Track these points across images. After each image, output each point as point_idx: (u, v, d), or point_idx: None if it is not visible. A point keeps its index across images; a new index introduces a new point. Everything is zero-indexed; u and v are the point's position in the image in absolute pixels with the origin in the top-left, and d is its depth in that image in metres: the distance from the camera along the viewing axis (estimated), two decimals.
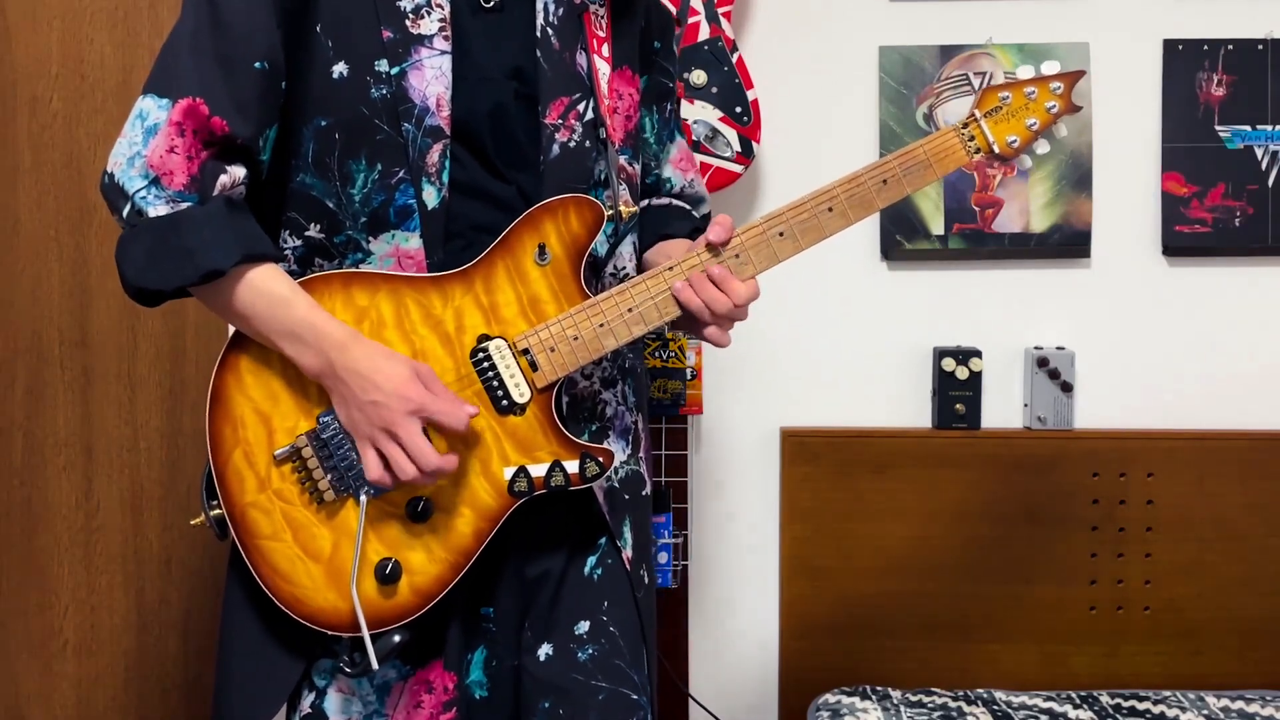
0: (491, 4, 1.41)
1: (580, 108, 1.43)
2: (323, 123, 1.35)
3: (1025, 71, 1.46)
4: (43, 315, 2.27)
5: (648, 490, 1.56)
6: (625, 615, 1.48)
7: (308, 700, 1.43)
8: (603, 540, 1.49)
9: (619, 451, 1.50)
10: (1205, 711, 2.16)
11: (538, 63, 1.41)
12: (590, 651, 1.45)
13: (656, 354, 2.32)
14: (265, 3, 1.32)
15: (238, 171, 1.33)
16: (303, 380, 1.36)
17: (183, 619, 2.32)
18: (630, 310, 1.38)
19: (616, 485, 1.50)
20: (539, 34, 1.42)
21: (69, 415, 2.28)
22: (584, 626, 1.46)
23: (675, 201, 1.65)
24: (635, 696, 1.46)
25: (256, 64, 1.32)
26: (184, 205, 1.30)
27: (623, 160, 1.48)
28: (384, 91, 1.34)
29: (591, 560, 1.48)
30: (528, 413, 1.37)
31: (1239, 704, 2.19)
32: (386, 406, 1.29)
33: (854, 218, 1.42)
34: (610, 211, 1.40)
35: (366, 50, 1.34)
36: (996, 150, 1.44)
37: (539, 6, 1.42)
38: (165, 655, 2.33)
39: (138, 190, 1.31)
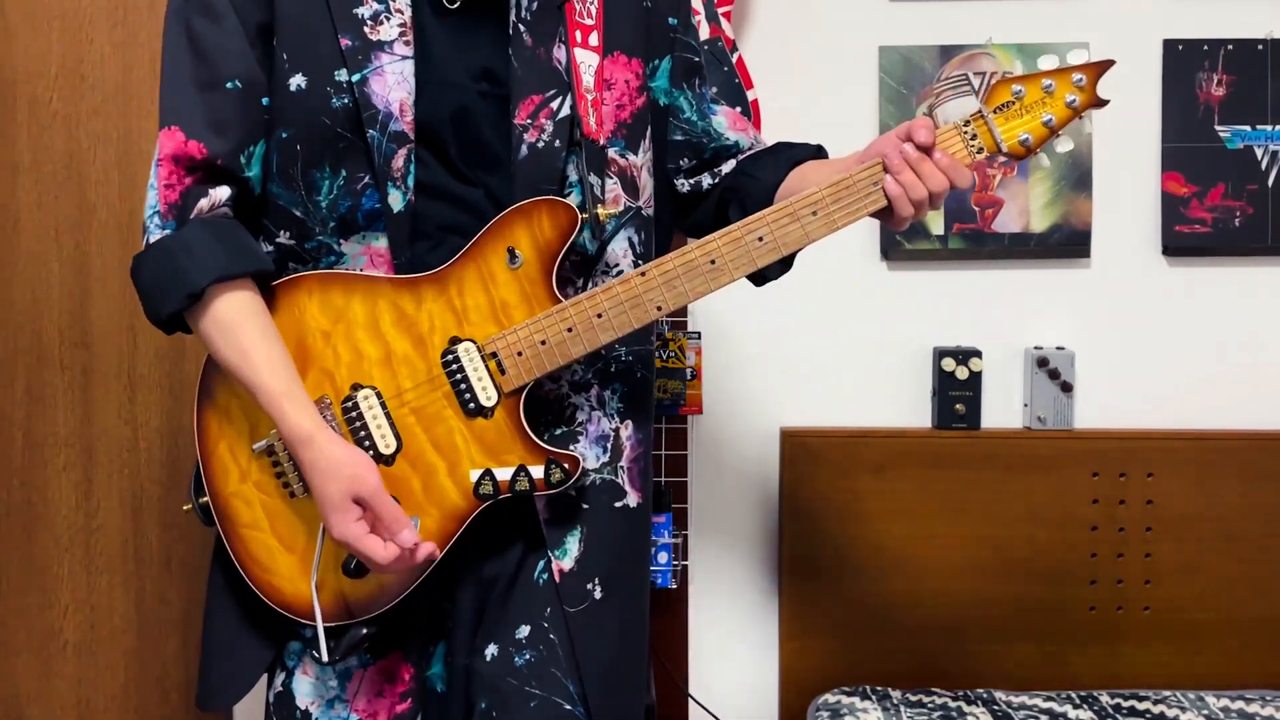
0: (456, 5, 1.40)
1: (554, 105, 1.41)
2: (284, 134, 1.37)
3: (1046, 63, 1.36)
4: (43, 315, 2.27)
5: (626, 503, 1.49)
6: (568, 625, 1.44)
7: (279, 679, 1.48)
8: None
9: (590, 459, 1.47)
10: (1205, 711, 2.16)
11: (509, 61, 1.40)
12: (527, 657, 1.43)
13: (656, 354, 2.31)
14: (232, 23, 1.35)
15: (219, 193, 1.36)
16: None
17: (183, 619, 2.32)
18: (599, 316, 1.36)
19: (573, 493, 1.45)
20: (511, 31, 1.41)
21: (69, 415, 2.28)
22: (524, 631, 1.43)
23: (773, 143, 1.57)
24: (569, 707, 1.42)
25: (228, 83, 1.35)
26: (165, 234, 1.35)
27: (612, 152, 1.45)
28: (344, 100, 1.35)
29: (540, 564, 1.45)
30: (495, 416, 1.37)
31: (1239, 704, 2.19)
32: (333, 507, 1.31)
33: (840, 223, 1.35)
34: (585, 215, 1.38)
35: (324, 60, 1.35)
36: (1005, 149, 1.34)
37: (512, 2, 1.41)
38: (165, 655, 2.32)
39: (147, 218, 1.37)
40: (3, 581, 2.29)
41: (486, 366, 1.37)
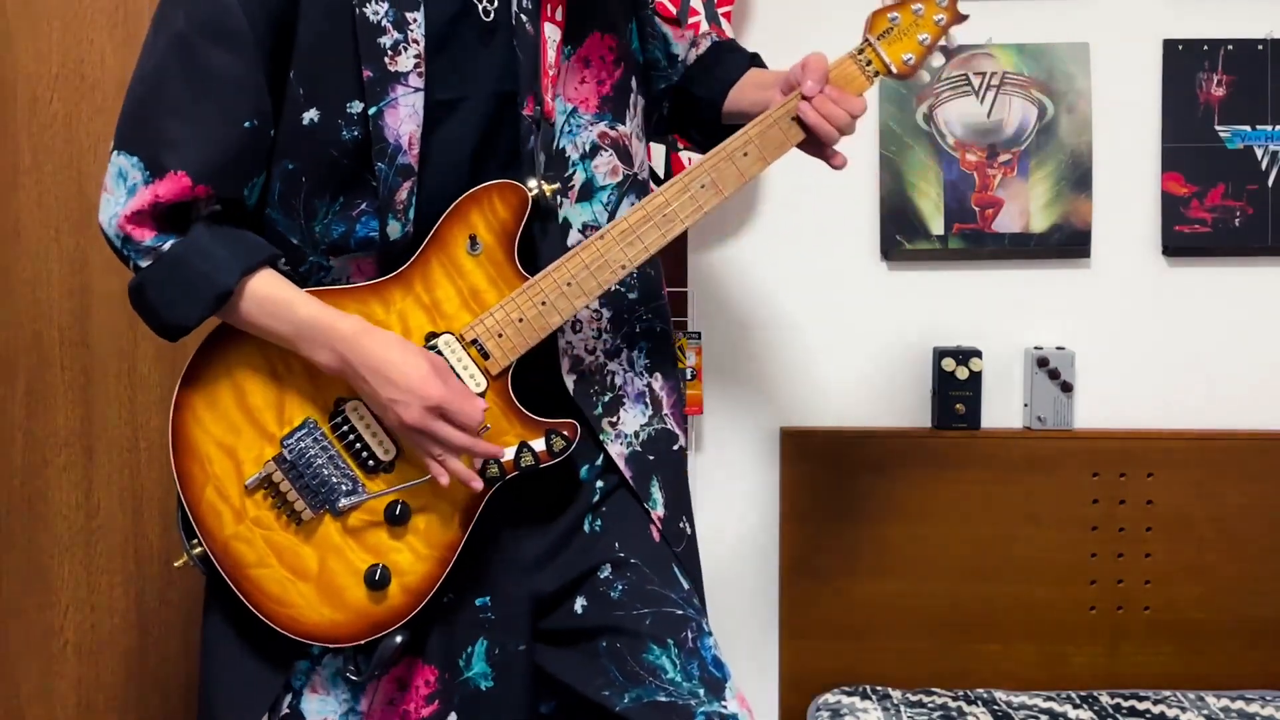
0: (491, 18, 1.39)
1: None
2: (289, 166, 1.36)
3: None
4: (43, 315, 2.27)
5: (680, 444, 1.57)
6: (640, 546, 1.49)
7: (285, 701, 1.44)
8: (595, 499, 1.50)
9: (638, 415, 1.51)
10: (1205, 711, 2.16)
11: (514, 53, 1.40)
12: (621, 587, 1.46)
13: None
14: (252, 53, 1.31)
15: (211, 203, 1.36)
16: (259, 407, 1.38)
17: (183, 619, 2.32)
18: (569, 284, 1.39)
19: (639, 448, 1.51)
20: (514, 22, 1.41)
21: (69, 415, 2.28)
22: (606, 570, 1.47)
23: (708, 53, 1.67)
24: (680, 611, 1.47)
25: (247, 123, 1.33)
26: (167, 245, 1.33)
27: (603, 126, 1.48)
28: (354, 133, 1.34)
29: (587, 518, 1.49)
30: (487, 400, 1.38)
31: (1239, 704, 2.19)
32: (406, 405, 1.31)
33: (769, 159, 1.45)
34: (534, 192, 1.40)
35: (339, 93, 1.34)
36: (894, 70, 1.48)
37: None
38: (165, 655, 2.33)
39: (123, 248, 1.36)
40: (3, 581, 2.29)
41: (469, 354, 1.38)
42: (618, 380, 1.51)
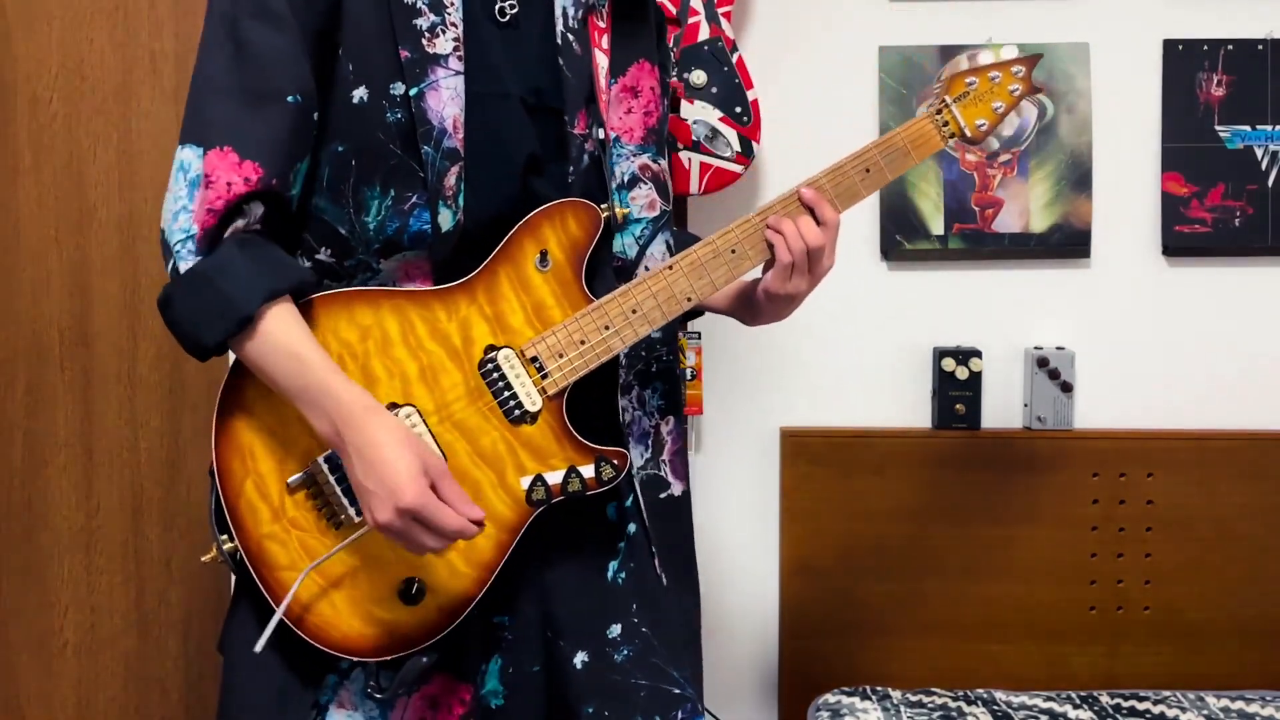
0: (507, 19, 1.38)
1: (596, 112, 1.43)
2: (339, 148, 1.33)
3: (985, 56, 1.49)
4: (43, 315, 2.27)
5: (670, 493, 1.53)
6: (656, 615, 1.46)
7: (311, 717, 1.40)
8: (622, 544, 1.47)
9: (639, 455, 1.49)
10: (1205, 711, 2.16)
11: (560, 71, 1.39)
12: (626, 653, 1.43)
13: None
14: (294, 31, 1.29)
15: (255, 210, 1.31)
16: None
17: (183, 619, 2.32)
18: (634, 311, 1.38)
19: (637, 490, 1.48)
20: (560, 40, 1.40)
21: (69, 415, 2.28)
22: (615, 630, 1.44)
23: None
24: (677, 691, 1.44)
25: (289, 98, 1.29)
26: (197, 260, 1.28)
27: (646, 158, 1.46)
28: (398, 115, 1.32)
29: (613, 565, 1.46)
30: (540, 420, 1.36)
31: (1239, 704, 2.19)
32: (380, 502, 1.23)
33: (841, 208, 1.44)
34: (606, 213, 1.39)
35: (383, 73, 1.32)
36: (968, 134, 1.48)
37: (558, 13, 1.40)
38: (165, 655, 2.33)
39: (176, 244, 1.29)
40: (3, 581, 2.29)
41: (527, 371, 1.35)
42: (625, 417, 1.47)
